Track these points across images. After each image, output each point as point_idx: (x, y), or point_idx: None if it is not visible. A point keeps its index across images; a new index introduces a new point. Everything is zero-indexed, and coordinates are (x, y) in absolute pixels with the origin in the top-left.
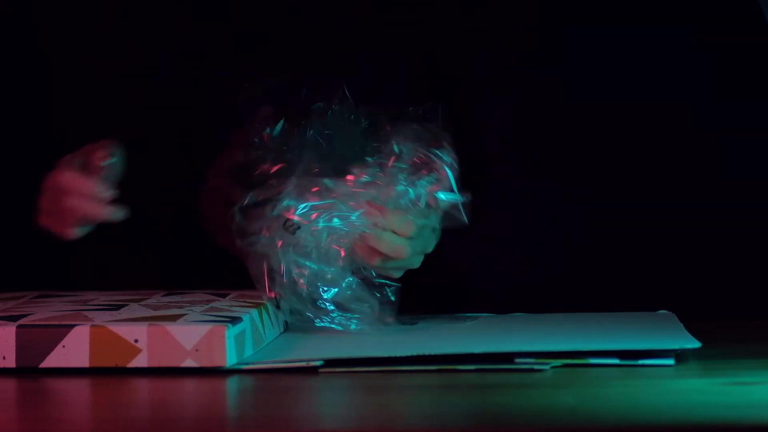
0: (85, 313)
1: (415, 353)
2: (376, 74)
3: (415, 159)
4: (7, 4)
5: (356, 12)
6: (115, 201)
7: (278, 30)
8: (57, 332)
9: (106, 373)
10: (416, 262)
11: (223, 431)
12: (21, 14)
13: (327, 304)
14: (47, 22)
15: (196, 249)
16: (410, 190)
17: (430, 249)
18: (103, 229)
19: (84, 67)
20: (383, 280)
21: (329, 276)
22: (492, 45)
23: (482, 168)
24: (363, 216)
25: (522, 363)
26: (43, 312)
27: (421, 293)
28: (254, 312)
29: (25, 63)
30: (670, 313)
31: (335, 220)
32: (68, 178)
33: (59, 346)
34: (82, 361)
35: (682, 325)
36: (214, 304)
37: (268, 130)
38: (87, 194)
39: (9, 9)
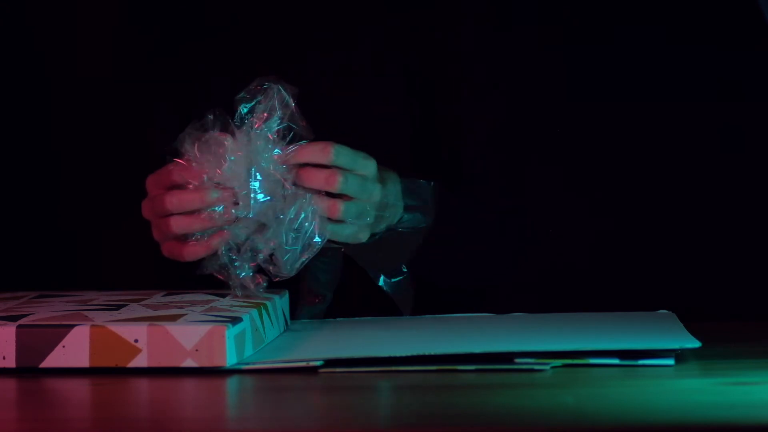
0: (85, 313)
1: (415, 353)
2: (360, 73)
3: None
4: (3, 4)
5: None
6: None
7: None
8: (57, 332)
9: (106, 373)
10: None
11: (223, 431)
12: (16, 14)
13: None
14: (42, 22)
15: None
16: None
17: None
18: (101, 228)
19: (82, 67)
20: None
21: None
22: (474, 43)
23: (480, 167)
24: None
25: (522, 363)
26: (43, 312)
27: (421, 293)
28: (254, 312)
29: (23, 63)
30: (670, 313)
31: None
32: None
33: (59, 346)
34: (82, 361)
35: (682, 325)
36: (214, 304)
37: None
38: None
39: (6, 9)
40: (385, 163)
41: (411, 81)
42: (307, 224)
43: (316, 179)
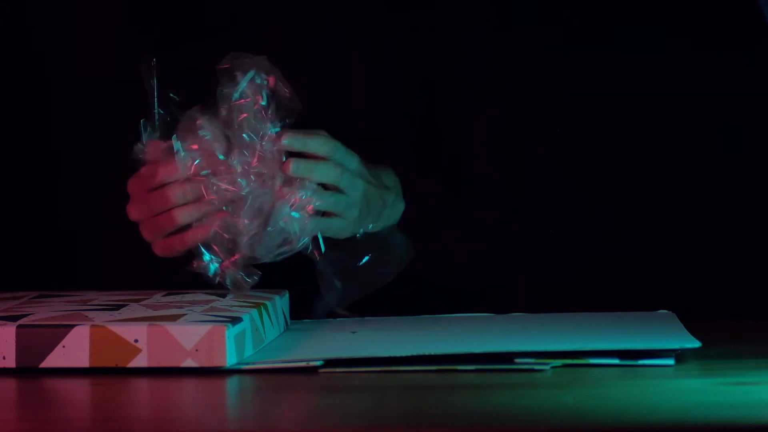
0: (85, 313)
1: (415, 353)
2: (360, 74)
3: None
4: (3, 4)
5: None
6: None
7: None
8: (57, 332)
9: (106, 373)
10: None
11: (223, 431)
12: (16, 14)
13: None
14: (42, 22)
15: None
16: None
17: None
18: (100, 228)
19: (82, 67)
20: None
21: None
22: (476, 45)
23: (480, 167)
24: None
25: (522, 363)
26: (43, 312)
27: (421, 294)
28: (254, 312)
29: (23, 63)
30: (670, 313)
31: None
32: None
33: (59, 346)
34: (82, 361)
35: (682, 325)
36: (214, 304)
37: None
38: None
39: (6, 9)
40: (385, 163)
41: (411, 81)
42: (295, 215)
43: (314, 171)
